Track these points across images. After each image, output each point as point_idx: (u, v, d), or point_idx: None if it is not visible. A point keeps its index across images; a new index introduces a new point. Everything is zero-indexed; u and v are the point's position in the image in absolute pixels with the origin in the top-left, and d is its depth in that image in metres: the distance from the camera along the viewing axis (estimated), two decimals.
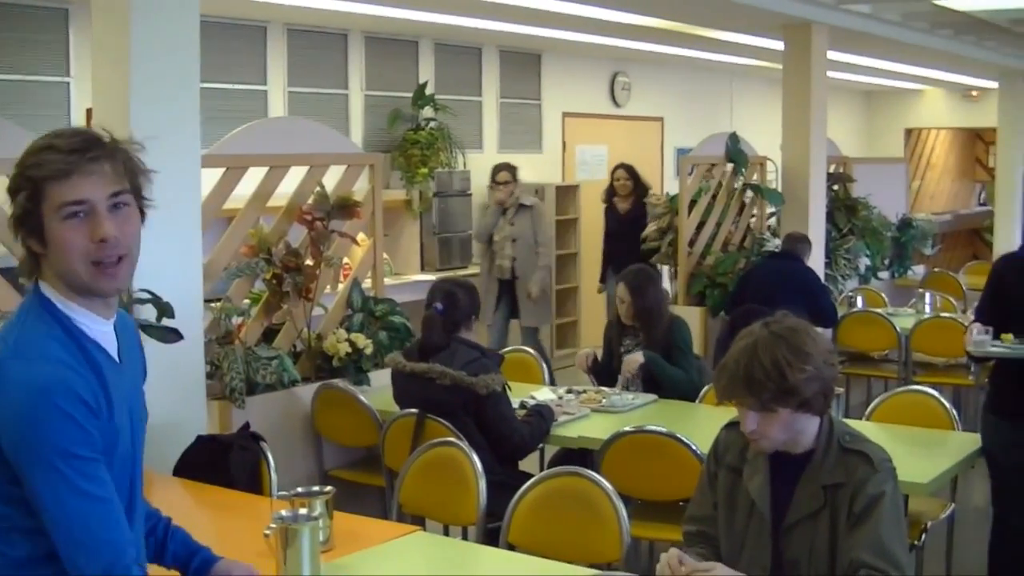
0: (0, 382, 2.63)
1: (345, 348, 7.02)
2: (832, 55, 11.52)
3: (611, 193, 12.17)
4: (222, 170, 6.64)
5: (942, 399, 6.25)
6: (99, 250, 2.72)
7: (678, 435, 5.46)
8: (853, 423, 4.62)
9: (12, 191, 2.72)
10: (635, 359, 6.84)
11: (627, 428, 5.63)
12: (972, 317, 9.91)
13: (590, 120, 14.56)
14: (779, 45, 10.99)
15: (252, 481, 5.10)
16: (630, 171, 12.01)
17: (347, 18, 10.75)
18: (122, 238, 2.74)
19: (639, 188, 11.99)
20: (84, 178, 2.69)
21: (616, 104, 15.00)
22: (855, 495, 3.53)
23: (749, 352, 3.53)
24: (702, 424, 5.60)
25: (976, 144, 23.38)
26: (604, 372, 7.10)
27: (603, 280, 12.14)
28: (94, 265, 2.73)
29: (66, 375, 2.66)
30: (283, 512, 3.64)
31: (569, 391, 6.73)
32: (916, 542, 5.56)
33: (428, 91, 11.87)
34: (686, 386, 6.81)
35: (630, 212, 11.90)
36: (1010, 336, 5.47)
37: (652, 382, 6.86)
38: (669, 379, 6.81)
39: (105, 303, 2.83)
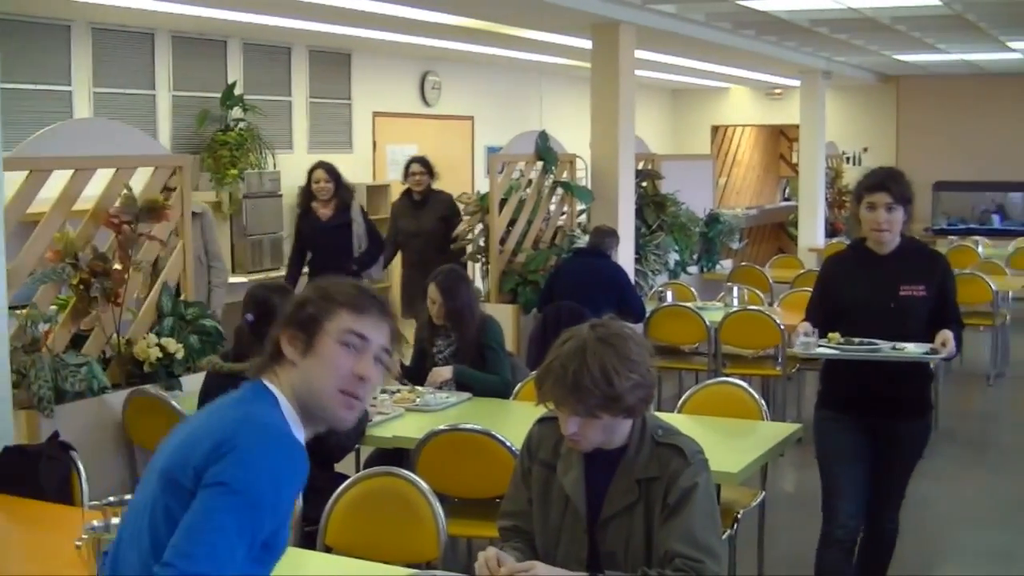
0: (250, 434, 2.81)
1: (156, 353, 6.92)
2: (639, 54, 11.67)
3: (308, 196, 10.19)
4: (25, 173, 6.49)
5: (751, 390, 6.38)
6: (355, 385, 2.97)
7: (493, 432, 5.48)
8: (665, 416, 4.70)
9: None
10: (440, 374, 6.83)
11: (442, 427, 5.64)
12: (780, 310, 10.18)
13: (400, 119, 14.54)
14: (588, 44, 11.10)
15: (63, 492, 4.98)
16: (331, 172, 10.12)
17: (153, 17, 10.57)
18: (374, 387, 3.10)
19: (342, 191, 10.12)
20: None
21: (426, 103, 15.01)
22: (669, 488, 3.58)
23: (577, 358, 3.52)
24: (517, 421, 5.62)
25: (780, 140, 23.89)
26: (417, 373, 7.08)
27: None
28: (342, 393, 2.96)
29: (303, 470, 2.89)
30: (95, 523, 3.57)
31: (383, 391, 6.70)
32: (729, 530, 5.67)
33: (237, 91, 11.74)
34: (500, 388, 6.84)
35: (332, 219, 10.07)
36: (837, 335, 5.46)
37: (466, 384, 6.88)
38: (482, 386, 6.82)
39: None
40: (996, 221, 19.32)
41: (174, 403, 6.43)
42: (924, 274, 5.49)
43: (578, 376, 3.49)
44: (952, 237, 17.50)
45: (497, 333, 7.01)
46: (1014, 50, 15.08)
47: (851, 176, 19.64)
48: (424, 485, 4.59)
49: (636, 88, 11.50)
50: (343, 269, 9.03)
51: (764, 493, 6.18)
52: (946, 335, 5.30)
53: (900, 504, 5.72)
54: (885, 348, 5.37)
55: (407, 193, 11.12)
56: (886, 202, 5.34)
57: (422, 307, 9.71)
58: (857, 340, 5.43)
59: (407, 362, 7.16)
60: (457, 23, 11.26)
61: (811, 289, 5.92)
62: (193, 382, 6.76)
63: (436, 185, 11.06)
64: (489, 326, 6.98)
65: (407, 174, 11.01)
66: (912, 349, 5.36)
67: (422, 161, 10.99)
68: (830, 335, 5.48)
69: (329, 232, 10.02)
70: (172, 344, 7.00)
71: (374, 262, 10.39)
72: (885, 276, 5.46)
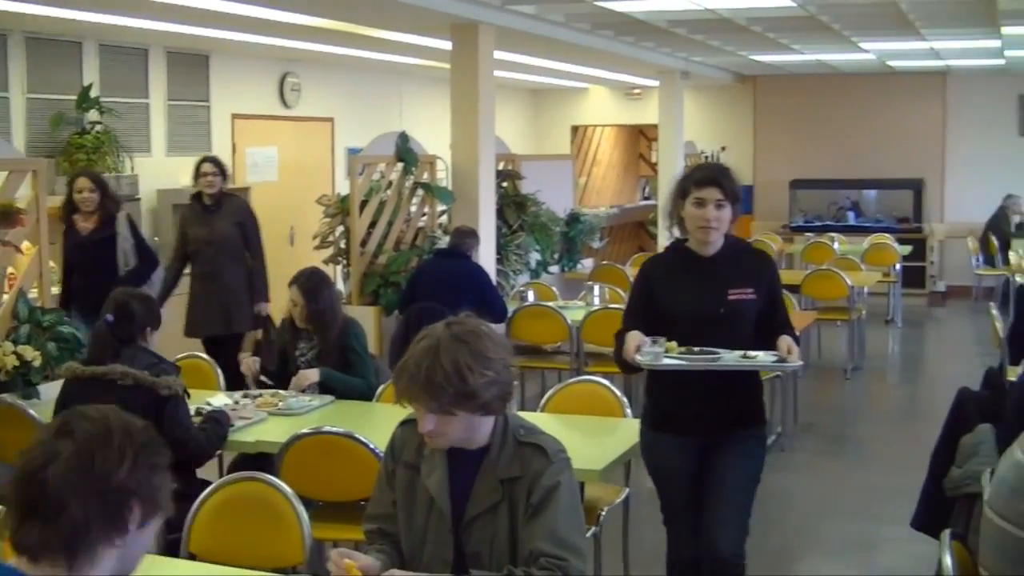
0: None
1: (12, 361, 6.80)
2: (499, 55, 11.69)
3: (70, 209, 8.93)
4: None
5: (613, 387, 6.44)
6: None
7: (356, 435, 5.48)
8: (528, 415, 4.72)
9: None
10: (307, 376, 6.80)
11: (305, 430, 5.62)
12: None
13: (260, 122, 14.42)
14: (447, 45, 11.10)
15: None
16: (96, 180, 9.00)
17: (5, 18, 10.35)
18: None
19: (108, 202, 8.94)
20: None
21: (286, 105, 14.90)
22: (532, 487, 3.60)
23: (430, 355, 3.53)
24: (380, 423, 5.62)
25: (639, 140, 24.09)
26: (279, 377, 7.04)
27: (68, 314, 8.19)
28: None
29: None
30: None
31: (245, 395, 6.66)
32: (594, 528, 5.73)
33: (93, 93, 11.54)
34: (364, 390, 6.83)
35: (94, 233, 8.89)
36: (674, 344, 4.98)
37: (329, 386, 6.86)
38: (345, 389, 6.81)
39: None
40: (851, 218, 19.68)
41: (31, 411, 6.33)
42: (752, 276, 5.16)
43: (431, 373, 3.50)
44: (809, 234, 17.80)
45: (360, 335, 6.99)
46: (866, 51, 15.38)
47: None
48: (288, 489, 4.58)
49: (496, 89, 11.54)
50: (106, 289, 6.78)
51: (628, 490, 6.24)
52: (788, 342, 5.02)
53: (744, 531, 5.21)
54: (732, 357, 4.98)
55: (196, 197, 9.82)
56: (716, 198, 4.99)
57: (217, 321, 9.56)
58: (697, 349, 4.98)
59: (270, 367, 7.12)
60: (316, 24, 11.19)
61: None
62: (51, 390, 6.63)
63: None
64: (351, 328, 6.96)
65: (197, 175, 9.75)
66: (763, 357, 5.01)
67: (214, 161, 9.79)
68: (668, 345, 5.01)
69: (90, 247, 8.84)
70: (29, 351, 6.88)
71: (144, 281, 8.77)
72: (712, 279, 5.11)
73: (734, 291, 5.09)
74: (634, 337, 5.01)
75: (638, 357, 4.96)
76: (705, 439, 5.18)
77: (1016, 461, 3.63)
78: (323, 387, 6.82)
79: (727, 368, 4.99)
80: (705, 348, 5.00)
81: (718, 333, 5.06)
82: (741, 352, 5.01)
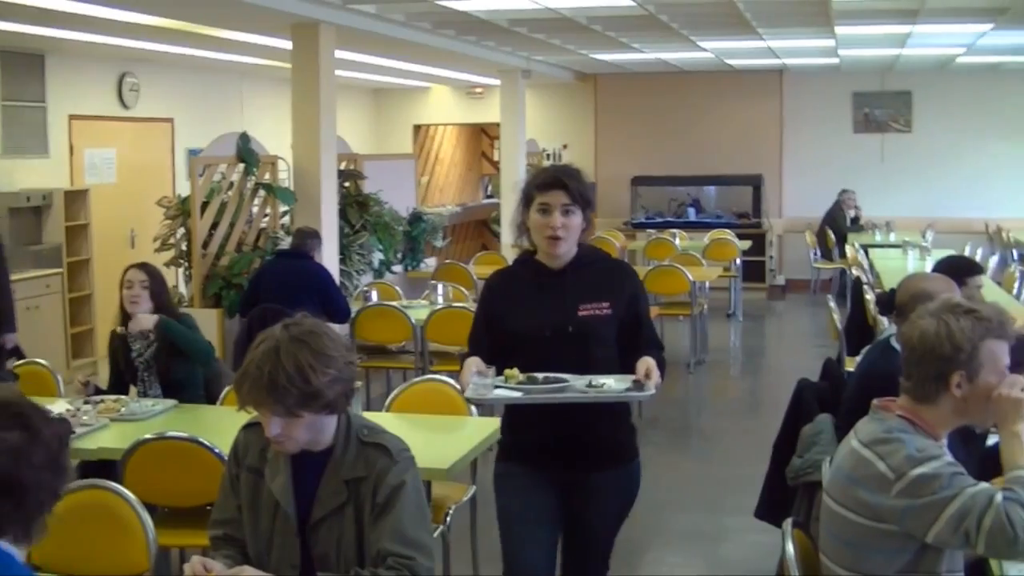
0: None
1: None
2: (340, 54, 11.64)
3: None
4: None
5: (458, 386, 6.44)
6: None
7: (200, 439, 5.42)
8: (373, 415, 4.72)
9: None
10: (143, 320, 6.76)
11: (148, 436, 5.54)
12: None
13: (98, 122, 14.16)
14: (288, 45, 11.02)
15: None
16: None
17: None
18: None
19: None
20: None
21: (124, 106, 14.66)
22: (377, 487, 3.60)
23: (271, 358, 3.51)
24: (224, 426, 5.56)
25: (481, 139, 24.16)
26: (116, 387, 6.94)
27: None
28: None
29: None
30: None
31: (86, 402, 6.54)
32: (441, 526, 5.73)
33: None
34: (205, 347, 6.92)
35: None
36: (515, 371, 4.39)
37: (172, 386, 6.78)
38: (187, 340, 6.83)
39: None
40: (692, 214, 19.92)
41: None
42: (608, 289, 4.62)
43: (274, 376, 3.48)
44: (650, 231, 17.95)
45: (195, 326, 6.97)
46: (705, 49, 15.59)
47: None
48: (131, 496, 4.51)
49: (337, 88, 11.48)
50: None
51: (475, 487, 6.26)
52: (649, 363, 4.40)
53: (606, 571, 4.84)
54: (578, 385, 4.36)
55: None
56: (562, 202, 4.47)
57: None
58: (542, 376, 4.40)
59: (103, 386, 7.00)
60: (154, 23, 11.03)
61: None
62: None
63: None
64: (187, 320, 6.95)
65: None
66: (612, 384, 4.38)
67: None
68: (507, 372, 4.40)
69: None
70: None
71: None
72: (561, 293, 4.57)
73: (585, 306, 4.56)
74: (469, 366, 4.45)
75: (466, 391, 4.40)
76: (566, 476, 4.62)
77: (852, 449, 3.71)
78: (163, 338, 6.79)
79: (566, 401, 4.35)
80: (551, 375, 4.41)
81: (569, 354, 4.50)
82: (588, 379, 4.41)
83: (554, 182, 4.52)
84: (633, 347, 4.55)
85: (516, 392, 4.36)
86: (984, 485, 3.47)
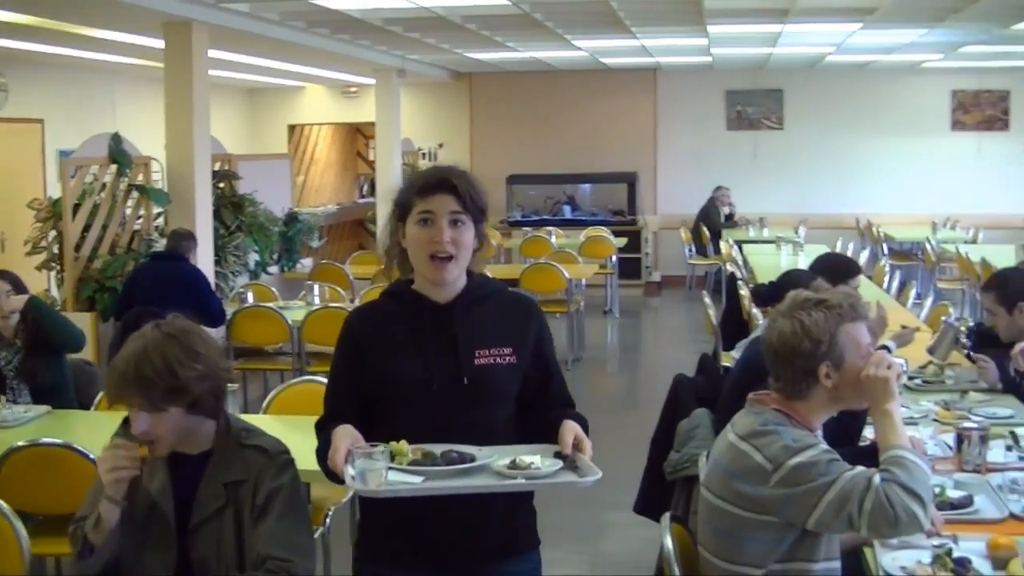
0: None
1: None
2: (214, 53, 11.55)
3: None
4: None
5: None
6: None
7: (74, 445, 5.34)
8: (251, 418, 4.69)
9: None
10: (12, 303, 6.68)
11: (20, 443, 5.44)
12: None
13: None
14: (161, 44, 10.89)
15: None
16: None
17: None
18: None
19: None
20: None
21: None
22: (256, 489, 3.59)
23: (139, 352, 3.53)
24: (97, 432, 5.49)
25: (357, 138, 24.06)
26: None
27: None
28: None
29: None
30: None
31: None
32: (321, 527, 5.71)
33: None
34: (76, 333, 6.89)
35: None
36: (403, 444, 3.38)
37: (41, 392, 6.67)
38: (56, 325, 6.80)
39: None
40: (567, 212, 20.01)
41: None
42: (509, 330, 3.63)
43: (141, 368, 3.50)
44: (526, 229, 18.01)
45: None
46: (579, 48, 15.67)
47: None
48: (4, 505, 4.43)
49: (211, 88, 11.37)
50: None
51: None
52: (576, 431, 3.48)
53: None
54: (496, 466, 3.35)
55: None
56: (451, 210, 3.48)
57: None
58: (440, 450, 3.38)
59: None
60: (23, 21, 10.85)
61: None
62: None
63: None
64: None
65: None
66: (544, 465, 3.37)
67: None
68: (394, 447, 3.36)
69: None
70: None
71: None
72: (450, 336, 3.55)
73: (483, 352, 3.56)
74: (339, 440, 3.34)
75: (347, 474, 3.26)
76: (453, 571, 3.59)
77: (729, 443, 3.77)
78: (35, 321, 6.70)
79: (493, 490, 3.34)
80: (451, 449, 3.40)
81: (464, 416, 3.52)
82: (508, 456, 3.41)
83: (439, 184, 3.50)
84: (540, 405, 3.66)
85: (420, 480, 3.31)
86: (860, 468, 3.55)
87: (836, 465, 3.56)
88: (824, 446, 3.64)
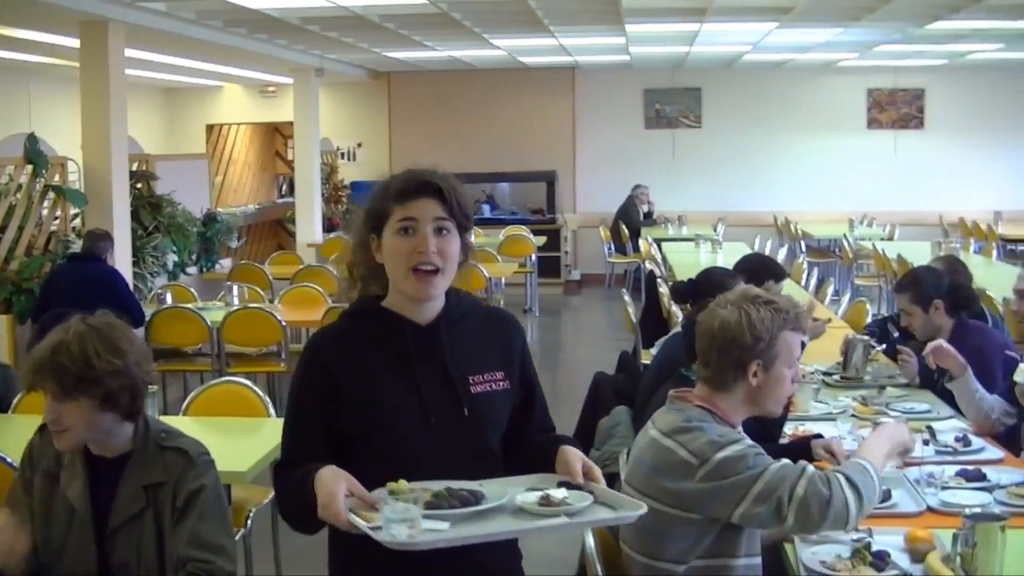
0: None
1: None
2: (131, 52, 11.45)
3: None
4: None
5: (255, 388, 6.41)
6: None
7: None
8: (171, 419, 4.65)
9: None
10: None
11: None
12: (281, 307, 10.20)
13: None
14: (76, 43, 10.78)
15: None
16: None
17: None
18: None
19: None
20: None
21: None
22: (176, 492, 3.57)
23: (59, 340, 3.52)
24: (17, 435, 5.42)
25: (276, 138, 23.93)
26: None
27: None
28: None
29: None
30: None
31: None
32: (242, 529, 5.68)
33: None
34: None
35: None
36: (403, 483, 2.93)
37: None
38: None
39: None
40: (486, 211, 19.99)
41: None
42: (498, 351, 3.31)
43: (57, 354, 3.49)
44: None
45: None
46: (498, 47, 15.68)
47: (347, 172, 19.99)
48: None
49: (128, 87, 11.28)
50: None
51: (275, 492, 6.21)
52: (582, 458, 3.12)
53: None
54: (526, 504, 2.96)
55: None
56: (435, 216, 3.13)
57: None
58: (459, 489, 2.96)
59: None
60: None
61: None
62: None
63: None
64: None
65: None
66: (575, 499, 2.98)
67: None
68: (393, 487, 2.90)
69: None
70: None
71: None
72: (439, 360, 3.18)
73: (477, 378, 3.21)
74: (334, 481, 2.90)
75: (363, 524, 2.82)
76: None
77: (652, 439, 3.79)
78: None
79: (531, 534, 2.98)
80: (457, 487, 2.98)
81: (463, 448, 3.17)
82: (527, 492, 3.02)
83: (422, 187, 3.17)
84: (524, 430, 3.35)
85: (446, 526, 2.87)
86: (786, 461, 3.60)
87: (763, 459, 3.60)
88: (749, 441, 3.68)
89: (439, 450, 3.13)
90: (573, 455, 3.10)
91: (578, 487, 3.03)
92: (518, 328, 3.41)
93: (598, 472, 3.09)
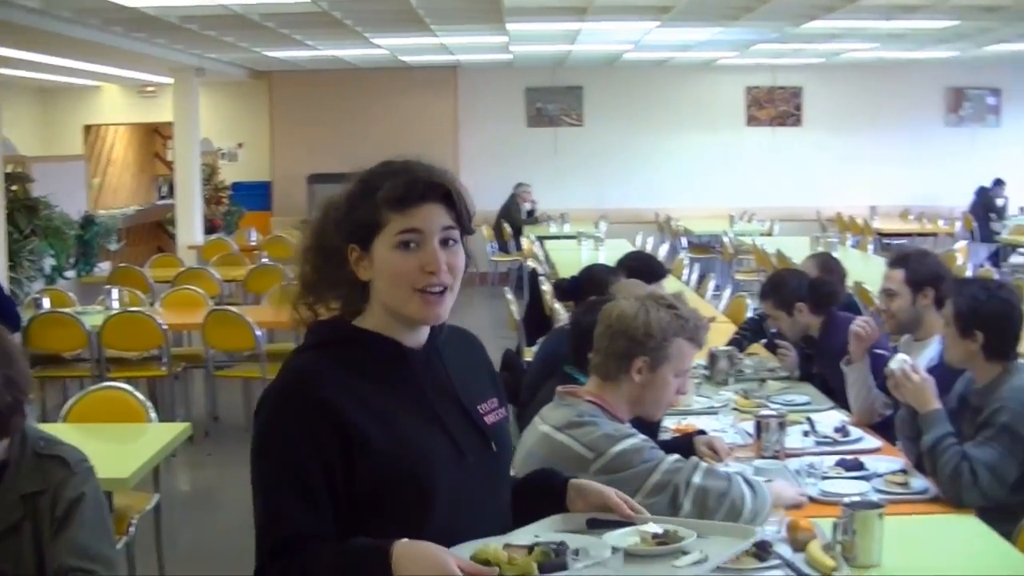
0: None
1: None
2: (4, 51, 11.26)
3: None
4: None
5: (136, 393, 6.32)
6: None
7: None
8: (50, 427, 4.58)
9: None
10: None
11: None
12: (161, 310, 10.09)
13: None
14: None
15: None
16: None
17: None
18: None
19: None
20: None
21: None
22: (55, 501, 3.49)
23: None
24: None
25: (155, 139, 23.67)
26: None
27: None
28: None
29: None
30: None
31: None
32: (125, 536, 5.60)
33: None
34: None
35: None
36: (496, 548, 2.48)
37: None
38: None
39: None
40: None
41: None
42: (486, 376, 2.91)
43: None
44: None
45: None
46: (379, 46, 15.64)
47: (228, 173, 19.83)
48: None
49: (1, 87, 11.08)
50: None
51: (158, 495, 6.14)
52: (617, 493, 2.87)
53: None
54: (635, 544, 2.69)
55: None
56: (443, 225, 2.64)
57: None
58: (524, 542, 2.57)
59: None
60: None
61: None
62: None
63: None
64: None
65: None
66: (719, 543, 2.74)
67: None
68: (483, 551, 2.45)
69: None
70: None
71: None
72: (447, 390, 2.72)
73: (483, 407, 2.77)
74: (436, 554, 2.39)
75: None
76: None
77: (544, 435, 3.82)
78: None
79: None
80: (547, 542, 2.58)
81: (492, 492, 2.77)
82: (625, 536, 2.73)
83: (429, 190, 2.68)
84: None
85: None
86: (679, 456, 3.69)
87: (657, 452, 3.70)
88: (643, 436, 3.73)
89: (476, 496, 2.69)
90: (604, 491, 2.85)
91: (613, 523, 2.77)
92: (482, 345, 3.01)
93: (636, 504, 2.87)
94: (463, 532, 2.57)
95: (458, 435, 2.65)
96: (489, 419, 2.75)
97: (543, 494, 2.88)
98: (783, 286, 6.65)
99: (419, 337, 2.71)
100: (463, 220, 2.67)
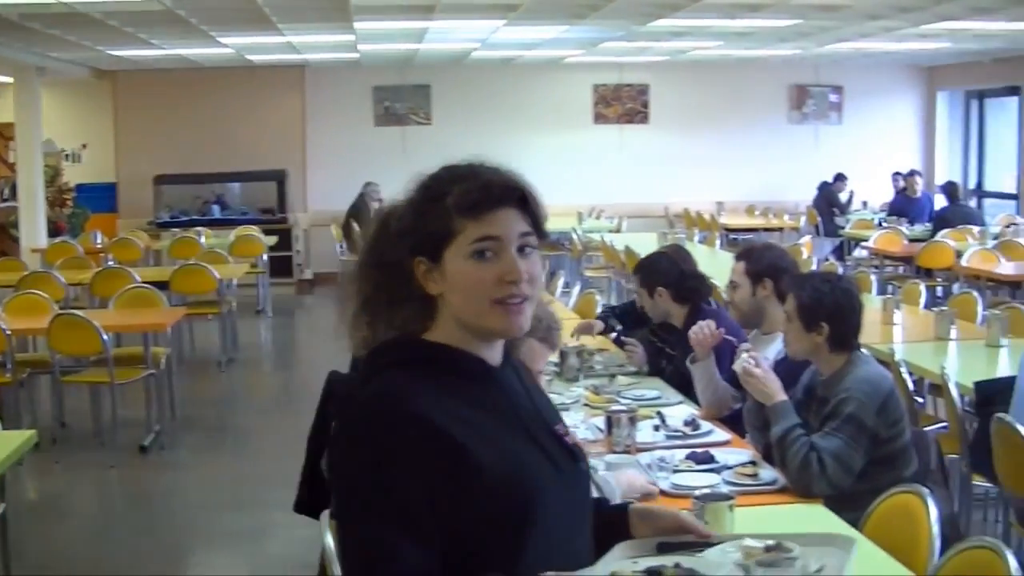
0: None
1: None
2: None
3: None
4: None
5: None
6: None
7: None
8: None
9: None
10: None
11: None
12: (5, 316, 9.90)
13: None
14: None
15: None
16: None
17: None
18: None
19: None
20: None
21: None
22: None
23: None
24: None
25: None
26: None
27: None
28: None
29: None
30: None
31: None
32: None
33: None
34: None
35: None
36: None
37: None
38: None
39: None
40: (216, 211, 19.72)
41: None
42: (542, 391, 2.83)
43: None
44: (175, 230, 17.66)
45: None
46: (225, 45, 15.48)
47: (72, 174, 19.50)
48: None
49: None
50: None
51: (4, 505, 6.03)
52: (685, 513, 2.77)
53: None
54: (760, 560, 2.48)
55: None
56: (521, 232, 2.50)
57: None
58: (648, 569, 2.47)
59: None
60: None
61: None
62: None
63: None
64: None
65: None
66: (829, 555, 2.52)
67: None
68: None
69: None
70: None
71: None
72: (531, 406, 2.57)
73: (559, 426, 2.61)
74: None
75: None
76: None
77: None
78: None
79: None
80: (637, 569, 2.49)
81: (584, 516, 2.62)
82: (726, 550, 2.55)
83: (504, 194, 2.55)
84: None
85: None
86: None
87: None
88: None
89: (577, 521, 2.55)
90: (678, 511, 2.73)
91: (683, 545, 2.59)
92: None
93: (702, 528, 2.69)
94: (557, 557, 2.38)
95: (555, 458, 2.49)
96: (568, 438, 2.57)
97: (603, 523, 2.67)
98: (652, 267, 6.82)
99: (496, 353, 2.52)
100: (539, 225, 2.53)
